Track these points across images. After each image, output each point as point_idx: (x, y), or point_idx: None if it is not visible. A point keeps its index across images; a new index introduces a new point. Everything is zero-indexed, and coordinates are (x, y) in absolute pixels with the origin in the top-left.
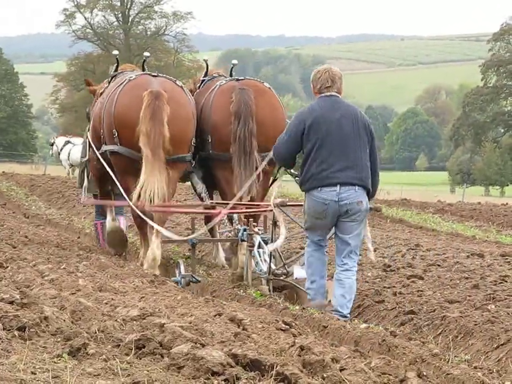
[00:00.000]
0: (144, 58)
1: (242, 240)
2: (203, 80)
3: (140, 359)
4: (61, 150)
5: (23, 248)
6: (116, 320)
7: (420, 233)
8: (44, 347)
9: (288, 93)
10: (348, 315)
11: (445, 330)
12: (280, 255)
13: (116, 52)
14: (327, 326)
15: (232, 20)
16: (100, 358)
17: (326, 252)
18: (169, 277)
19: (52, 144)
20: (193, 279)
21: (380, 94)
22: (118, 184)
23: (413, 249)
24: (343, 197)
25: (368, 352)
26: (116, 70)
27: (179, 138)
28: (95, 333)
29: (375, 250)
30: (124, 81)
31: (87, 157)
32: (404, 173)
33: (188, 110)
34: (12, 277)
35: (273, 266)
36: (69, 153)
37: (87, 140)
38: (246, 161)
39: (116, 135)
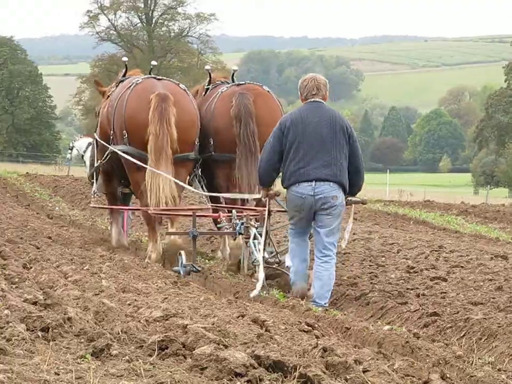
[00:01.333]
0: (151, 66)
1: (240, 233)
2: (207, 89)
3: (163, 360)
4: (84, 152)
5: (47, 249)
6: (139, 321)
7: (443, 235)
8: (67, 348)
9: None
10: (326, 304)
11: (469, 332)
12: (273, 245)
13: (125, 59)
14: (350, 328)
15: (256, 21)
16: (123, 359)
17: (309, 240)
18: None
19: (71, 148)
20: (194, 268)
21: (403, 95)
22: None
23: (436, 250)
24: (318, 191)
25: (392, 354)
26: (125, 75)
27: (184, 138)
28: (118, 333)
29: (398, 252)
30: (131, 85)
31: (95, 158)
32: (427, 175)
33: (192, 112)
34: (35, 277)
35: (266, 255)
36: None
37: (95, 140)
38: (252, 161)
39: (126, 136)
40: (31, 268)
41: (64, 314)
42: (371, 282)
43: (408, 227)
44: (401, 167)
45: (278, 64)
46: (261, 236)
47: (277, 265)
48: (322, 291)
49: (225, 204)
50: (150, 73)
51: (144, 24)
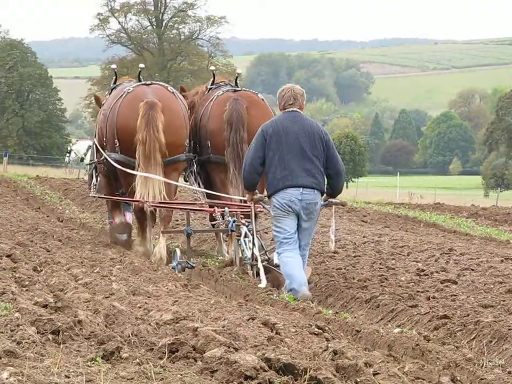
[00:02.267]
0: (139, 69)
1: (232, 231)
2: (210, 89)
3: (173, 363)
4: (85, 154)
5: (57, 252)
6: (150, 324)
7: (454, 238)
8: (77, 351)
9: (322, 97)
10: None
11: (479, 335)
12: (261, 243)
13: (114, 66)
14: (360, 330)
15: (266, 24)
16: (134, 361)
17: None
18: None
19: (70, 151)
20: (188, 265)
21: (413, 98)
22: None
23: (446, 253)
24: (304, 197)
25: (402, 356)
26: (115, 82)
27: (174, 141)
28: (129, 336)
29: (408, 255)
30: (122, 94)
31: (94, 160)
32: (437, 177)
33: (180, 115)
34: (46, 280)
35: (256, 253)
36: None
37: (94, 146)
38: (239, 164)
39: (118, 144)
40: (42, 270)
41: (75, 317)
42: (381, 285)
43: (418, 230)
44: (412, 170)
45: (288, 67)
46: (252, 236)
47: (266, 262)
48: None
49: (218, 201)
50: (138, 76)
51: (154, 27)
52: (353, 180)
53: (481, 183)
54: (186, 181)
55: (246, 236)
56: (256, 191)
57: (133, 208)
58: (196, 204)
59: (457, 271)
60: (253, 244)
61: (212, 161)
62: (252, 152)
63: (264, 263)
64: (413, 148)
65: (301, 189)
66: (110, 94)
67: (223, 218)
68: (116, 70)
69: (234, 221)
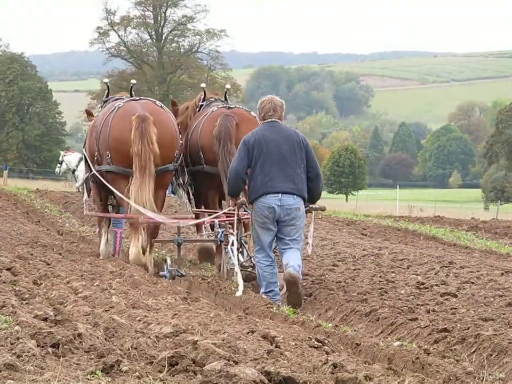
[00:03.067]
0: (131, 85)
1: (221, 241)
2: (202, 105)
3: (173, 376)
4: (77, 166)
5: (57, 265)
6: (149, 337)
7: (454, 251)
8: (77, 364)
9: (321, 110)
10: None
11: (479, 349)
12: (247, 250)
13: (106, 80)
14: (360, 344)
15: (265, 37)
16: (133, 375)
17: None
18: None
19: (61, 162)
20: (178, 273)
21: (413, 111)
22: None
23: (446, 266)
24: (284, 203)
25: (402, 370)
26: (107, 96)
27: (165, 152)
28: (128, 350)
29: (408, 268)
30: (113, 109)
31: (86, 174)
32: (437, 190)
33: (170, 127)
34: (45, 293)
35: (241, 259)
36: None
37: (85, 159)
38: (226, 176)
39: (109, 156)
40: (42, 284)
41: (74, 330)
42: (381, 298)
43: (418, 243)
44: (411, 183)
45: (287, 80)
46: (236, 242)
47: (251, 268)
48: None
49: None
50: (130, 91)
51: (154, 40)
52: (352, 193)
53: (481, 196)
54: (174, 194)
55: (233, 244)
56: (240, 196)
57: (128, 221)
58: (187, 217)
59: (457, 284)
60: (237, 249)
61: (206, 172)
62: (237, 162)
63: (249, 269)
64: (412, 161)
65: (280, 195)
66: (102, 107)
67: (212, 230)
68: (107, 83)
69: (222, 231)
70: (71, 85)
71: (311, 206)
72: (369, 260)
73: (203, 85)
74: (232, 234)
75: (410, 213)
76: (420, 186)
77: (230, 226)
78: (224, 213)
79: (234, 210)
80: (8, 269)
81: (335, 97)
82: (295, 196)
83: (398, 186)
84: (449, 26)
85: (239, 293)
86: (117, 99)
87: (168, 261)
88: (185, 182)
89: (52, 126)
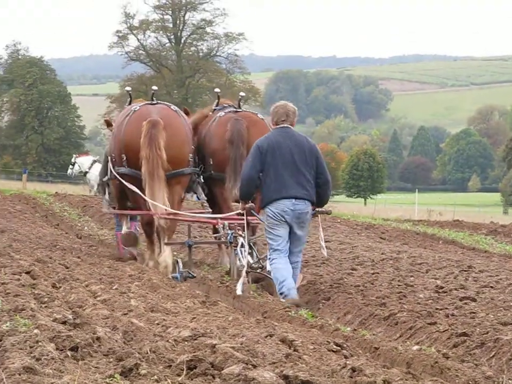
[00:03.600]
0: (152, 91)
1: (230, 242)
2: (215, 109)
3: (192, 379)
4: (89, 168)
5: (76, 268)
6: (168, 340)
7: (473, 255)
8: (96, 367)
9: (340, 113)
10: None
11: (498, 353)
12: (256, 252)
13: (128, 88)
14: (379, 348)
15: (284, 41)
16: (152, 378)
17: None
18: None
19: (74, 164)
20: (190, 274)
21: (432, 114)
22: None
23: (465, 270)
24: (297, 207)
25: (421, 374)
26: (130, 103)
27: (177, 156)
28: (147, 353)
29: (427, 272)
30: (129, 113)
31: (107, 176)
32: (456, 194)
33: (182, 132)
34: (64, 297)
35: (251, 261)
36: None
37: (108, 162)
38: (235, 179)
39: (125, 159)
40: (61, 287)
41: (93, 333)
42: (400, 302)
43: (437, 247)
44: (430, 187)
45: (306, 84)
46: (246, 245)
47: (260, 270)
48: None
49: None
50: (152, 98)
51: (173, 44)
52: (371, 196)
53: (500, 200)
54: (195, 193)
55: (242, 245)
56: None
57: (141, 222)
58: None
59: (476, 288)
60: (246, 251)
61: (213, 178)
62: (250, 166)
63: (258, 271)
64: (431, 164)
65: (293, 200)
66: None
67: (216, 232)
68: (130, 92)
69: (232, 233)
70: (90, 88)
71: (317, 209)
72: (388, 264)
73: (217, 89)
74: (241, 236)
75: (429, 216)
76: (439, 190)
77: (240, 228)
78: (231, 218)
79: (243, 214)
80: (27, 272)
81: (353, 101)
82: (306, 201)
83: (416, 190)
84: (469, 30)
85: (238, 292)
86: None
87: (180, 263)
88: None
89: (71, 129)
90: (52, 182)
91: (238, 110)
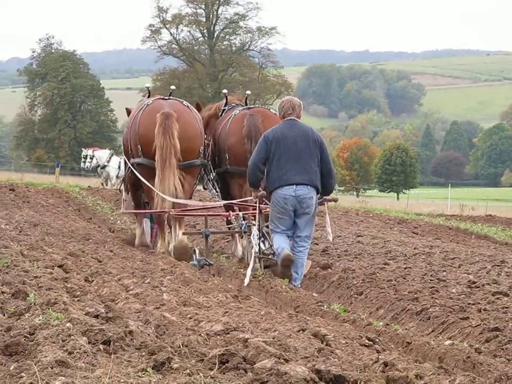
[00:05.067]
0: (170, 91)
1: (245, 232)
2: (224, 110)
3: (224, 373)
4: (108, 161)
5: (108, 262)
6: (200, 334)
7: (505, 250)
8: (128, 361)
9: (373, 108)
10: (299, 285)
11: None
12: (268, 239)
13: (147, 85)
14: (411, 342)
15: (317, 36)
16: (184, 372)
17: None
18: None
19: (92, 157)
20: (207, 262)
21: (465, 109)
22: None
23: (498, 265)
24: (298, 193)
25: (453, 369)
26: (149, 97)
27: (188, 147)
28: (179, 347)
29: (459, 267)
30: (143, 106)
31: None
32: (489, 189)
33: (194, 125)
34: (97, 291)
35: (263, 247)
36: (119, 166)
37: (123, 159)
38: None
39: (140, 149)
40: (93, 281)
41: (126, 327)
42: (432, 297)
43: (469, 242)
44: (463, 182)
45: (339, 78)
46: (258, 231)
47: (272, 256)
48: (296, 276)
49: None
50: (169, 96)
51: (206, 38)
52: (404, 191)
53: None
54: (205, 189)
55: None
56: (260, 188)
57: (154, 215)
58: (214, 208)
59: (508, 283)
60: (256, 238)
61: (230, 172)
62: (255, 155)
63: (270, 257)
64: (464, 159)
65: (294, 186)
66: None
67: (229, 223)
68: (149, 88)
69: (246, 223)
70: (123, 82)
71: (324, 197)
72: (420, 259)
73: (225, 91)
74: (254, 225)
75: (462, 211)
76: (471, 185)
77: (253, 218)
78: (245, 204)
79: (255, 202)
80: (60, 266)
81: (386, 95)
82: (308, 187)
83: (449, 185)
84: (502, 25)
85: (246, 280)
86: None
87: (197, 251)
88: (213, 178)
89: (103, 123)
90: (85, 176)
91: (251, 106)
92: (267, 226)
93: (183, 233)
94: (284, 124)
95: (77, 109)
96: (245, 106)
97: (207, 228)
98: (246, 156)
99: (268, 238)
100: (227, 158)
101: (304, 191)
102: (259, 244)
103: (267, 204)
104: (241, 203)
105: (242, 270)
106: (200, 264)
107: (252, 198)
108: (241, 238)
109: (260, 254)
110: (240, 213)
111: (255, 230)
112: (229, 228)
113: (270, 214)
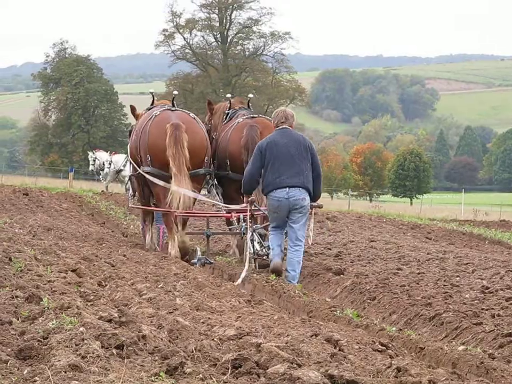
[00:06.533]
0: (173, 95)
1: (244, 233)
2: (227, 114)
3: (237, 378)
4: (124, 166)
5: (122, 267)
6: (213, 339)
7: None
8: (141, 365)
9: (386, 113)
10: (296, 282)
11: None
12: (261, 241)
13: (151, 90)
14: (424, 348)
15: (330, 40)
16: (197, 377)
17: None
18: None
19: (94, 159)
20: (207, 261)
21: (478, 114)
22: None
23: (511, 271)
24: (291, 195)
25: (466, 374)
26: (152, 104)
27: (195, 157)
28: (192, 352)
29: (473, 272)
30: (151, 117)
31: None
32: (503, 194)
33: (200, 136)
34: (110, 295)
35: (258, 248)
36: None
37: (129, 160)
38: None
39: (149, 159)
40: (106, 285)
41: (139, 332)
42: (445, 302)
43: (483, 247)
44: (477, 187)
45: (352, 83)
46: (253, 234)
47: (266, 256)
48: (293, 273)
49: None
50: (172, 102)
51: (219, 43)
52: (417, 196)
53: None
54: (209, 192)
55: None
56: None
57: (162, 214)
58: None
59: None
60: (248, 239)
61: (230, 177)
62: (251, 165)
63: (264, 257)
64: (478, 164)
65: (287, 188)
66: (148, 110)
67: (238, 223)
68: (153, 93)
69: (245, 225)
70: (136, 87)
71: (311, 204)
72: (434, 264)
73: (229, 95)
74: (250, 227)
75: (476, 217)
76: (485, 190)
77: (250, 220)
78: (240, 209)
79: (247, 206)
80: (73, 270)
81: (400, 100)
82: (300, 189)
83: (463, 190)
84: None
85: (239, 281)
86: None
87: (198, 250)
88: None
89: (117, 128)
90: (98, 181)
91: (254, 115)
92: (264, 229)
93: (186, 233)
94: (276, 132)
95: (91, 113)
96: (249, 114)
97: (209, 228)
98: (243, 165)
99: (262, 239)
100: (228, 164)
101: (296, 192)
102: (253, 245)
103: (256, 208)
104: (241, 209)
105: (255, 275)
106: (201, 263)
107: (243, 205)
108: (241, 239)
109: (254, 254)
110: (241, 215)
111: (249, 232)
112: (229, 229)
113: (268, 214)
